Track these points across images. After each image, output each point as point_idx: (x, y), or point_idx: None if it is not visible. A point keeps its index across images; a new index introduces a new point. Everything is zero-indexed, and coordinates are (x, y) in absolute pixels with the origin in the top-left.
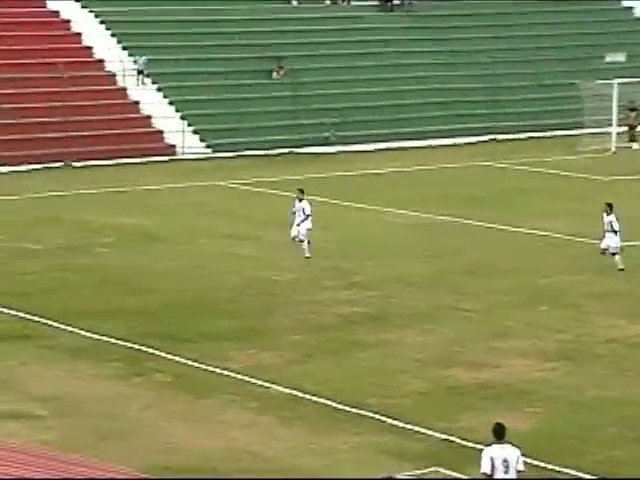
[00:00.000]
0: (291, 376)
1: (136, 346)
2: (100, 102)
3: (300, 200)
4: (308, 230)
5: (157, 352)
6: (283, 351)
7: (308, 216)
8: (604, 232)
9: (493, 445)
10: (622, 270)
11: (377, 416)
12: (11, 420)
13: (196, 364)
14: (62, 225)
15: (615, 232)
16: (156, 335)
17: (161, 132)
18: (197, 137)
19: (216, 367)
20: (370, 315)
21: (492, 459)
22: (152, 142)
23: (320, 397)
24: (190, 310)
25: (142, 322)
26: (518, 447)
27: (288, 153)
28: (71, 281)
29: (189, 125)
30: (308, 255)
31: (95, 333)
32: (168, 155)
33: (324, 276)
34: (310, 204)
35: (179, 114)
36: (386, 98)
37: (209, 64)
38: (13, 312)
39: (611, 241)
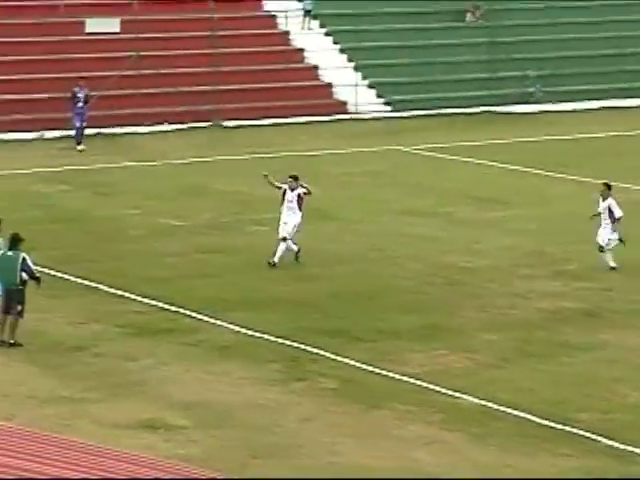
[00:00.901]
0: (483, 384)
1: (296, 344)
2: (257, 49)
3: (292, 189)
4: (295, 227)
5: (321, 352)
6: (474, 353)
7: (300, 204)
8: (601, 222)
9: None
10: (614, 269)
11: (589, 434)
12: (147, 431)
13: (368, 367)
14: (209, 197)
15: (613, 220)
16: (321, 331)
17: (330, 86)
18: (373, 92)
19: (392, 371)
20: (582, 311)
21: None
22: (319, 98)
23: (519, 410)
24: (362, 302)
25: (304, 315)
26: None
27: (483, 112)
28: (220, 265)
29: (364, 78)
30: (275, 261)
31: (248, 328)
32: (338, 114)
33: (525, 263)
34: (306, 191)
35: (352, 64)
36: (605, 45)
37: (389, 4)
38: (151, 301)
39: (605, 232)
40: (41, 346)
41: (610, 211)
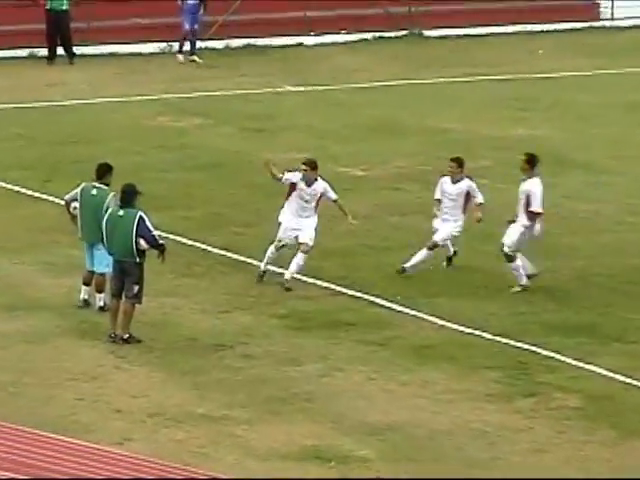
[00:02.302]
0: None
1: (524, 345)
2: None
3: (310, 183)
4: (314, 233)
5: (559, 356)
6: None
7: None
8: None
9: None
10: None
11: None
12: (314, 463)
13: (626, 379)
14: (405, 137)
15: (464, 210)
16: (559, 327)
17: None
18: None
19: None
20: None
21: None
22: None
23: None
24: (619, 286)
25: (536, 304)
26: None
27: None
28: (419, 232)
29: None
30: (289, 278)
31: (456, 322)
32: (587, 20)
33: None
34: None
35: None
36: None
37: None
38: (322, 282)
39: (447, 226)
40: (168, 344)
41: (467, 197)
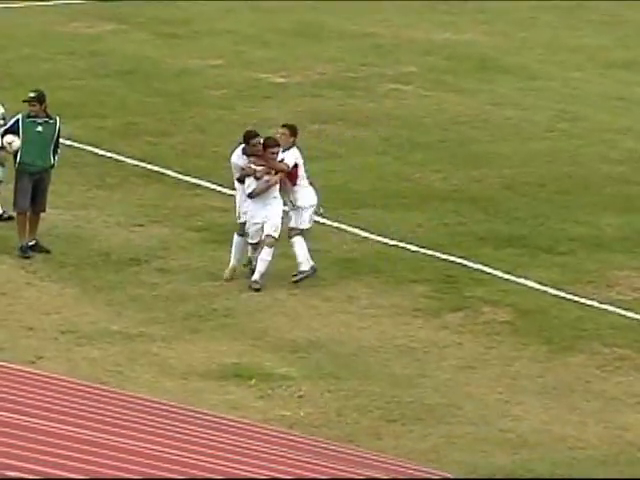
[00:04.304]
0: None
1: (452, 257)
2: None
3: (273, 147)
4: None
5: (488, 269)
6: None
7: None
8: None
9: None
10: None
11: None
12: (234, 382)
13: (557, 292)
14: (330, 41)
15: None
16: (488, 239)
17: None
18: None
19: (593, 298)
20: None
21: None
22: None
23: None
24: (550, 195)
25: (465, 215)
26: None
27: None
28: (344, 140)
29: None
30: (256, 280)
31: (379, 234)
32: None
33: None
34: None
35: None
36: None
37: None
38: None
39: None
40: (81, 258)
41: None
